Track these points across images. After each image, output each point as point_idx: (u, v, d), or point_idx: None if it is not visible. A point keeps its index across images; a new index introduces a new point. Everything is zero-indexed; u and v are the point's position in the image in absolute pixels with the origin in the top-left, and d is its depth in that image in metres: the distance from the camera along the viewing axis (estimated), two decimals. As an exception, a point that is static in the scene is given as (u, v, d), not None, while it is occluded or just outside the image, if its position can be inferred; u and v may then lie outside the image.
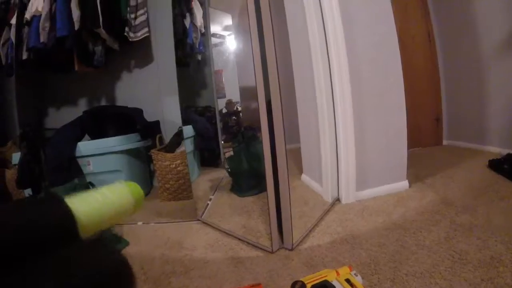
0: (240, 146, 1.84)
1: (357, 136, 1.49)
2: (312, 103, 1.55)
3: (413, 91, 2.31)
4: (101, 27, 1.80)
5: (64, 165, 1.70)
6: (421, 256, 0.95)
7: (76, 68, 1.96)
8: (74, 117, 1.99)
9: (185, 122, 1.97)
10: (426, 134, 2.68)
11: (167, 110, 2.15)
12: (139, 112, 2.08)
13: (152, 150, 1.91)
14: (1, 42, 2.06)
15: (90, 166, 1.79)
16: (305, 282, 0.74)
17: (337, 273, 0.78)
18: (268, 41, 1.02)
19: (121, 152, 1.82)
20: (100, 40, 1.91)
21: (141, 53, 2.18)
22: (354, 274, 0.79)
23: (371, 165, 1.54)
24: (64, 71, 2.07)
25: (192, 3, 2.17)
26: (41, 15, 1.80)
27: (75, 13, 1.75)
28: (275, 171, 1.07)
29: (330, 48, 1.44)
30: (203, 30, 2.24)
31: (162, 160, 1.84)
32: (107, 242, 0.37)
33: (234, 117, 2.13)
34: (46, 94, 2.34)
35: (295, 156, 1.84)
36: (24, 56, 1.92)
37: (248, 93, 1.91)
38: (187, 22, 2.10)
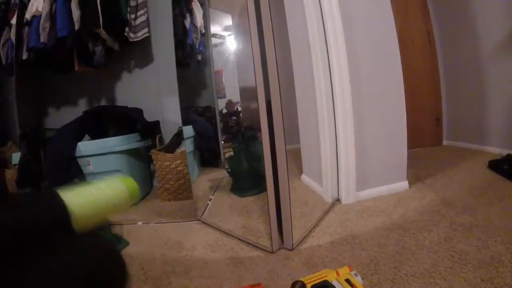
0: (240, 146, 1.84)
1: (357, 136, 1.49)
2: (312, 103, 1.55)
3: (413, 91, 2.31)
4: (101, 27, 1.80)
5: (64, 165, 1.70)
6: (421, 256, 0.95)
7: (76, 68, 1.96)
8: (74, 117, 1.99)
9: (185, 122, 1.98)
10: (426, 134, 2.68)
11: (167, 110, 2.15)
12: (139, 112, 2.09)
13: (152, 150, 1.91)
14: (1, 42, 2.06)
15: (90, 166, 1.79)
16: (305, 282, 0.74)
17: (337, 273, 0.78)
18: (268, 41, 1.02)
19: (121, 152, 1.82)
20: (100, 40, 1.91)
21: (141, 53, 2.18)
22: (354, 274, 0.79)
23: (371, 165, 1.54)
24: (64, 71, 2.07)
25: (192, 3, 2.17)
26: (41, 15, 1.80)
27: (75, 13, 1.76)
28: (275, 171, 1.07)
29: (330, 48, 1.44)
30: (203, 31, 2.24)
31: (162, 160, 1.84)
32: (101, 234, 0.37)
33: (234, 117, 2.14)
34: (46, 94, 2.34)
35: (295, 157, 1.84)
36: (24, 56, 1.92)
37: (248, 93, 1.91)
38: (187, 22, 2.11)
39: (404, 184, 1.60)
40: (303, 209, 1.45)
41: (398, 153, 1.59)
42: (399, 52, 1.52)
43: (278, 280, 0.92)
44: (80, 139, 1.88)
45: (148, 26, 1.99)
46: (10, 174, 1.87)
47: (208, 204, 1.71)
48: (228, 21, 2.14)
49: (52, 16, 1.81)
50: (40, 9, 1.80)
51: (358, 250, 1.04)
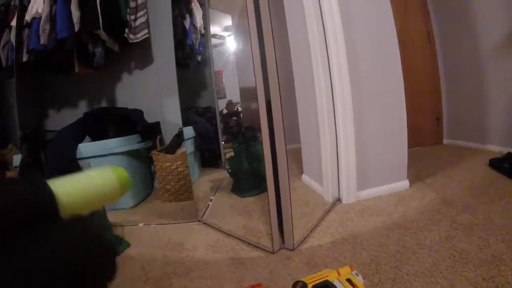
0: (241, 147, 1.84)
1: (357, 136, 1.49)
2: (312, 103, 1.55)
3: (413, 90, 2.31)
4: (101, 29, 1.80)
5: (64, 167, 1.70)
6: (422, 255, 0.95)
7: (76, 69, 1.96)
8: (74, 119, 1.99)
9: (186, 123, 1.98)
10: (426, 133, 2.68)
11: (167, 111, 2.15)
12: (139, 113, 2.09)
13: (153, 151, 1.91)
14: (2, 44, 2.07)
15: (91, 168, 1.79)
16: (306, 282, 0.74)
17: (338, 273, 0.78)
18: (267, 42, 1.02)
19: (122, 153, 1.82)
20: (100, 41, 1.91)
21: (141, 54, 2.18)
22: (355, 274, 0.79)
23: (371, 165, 1.54)
24: (64, 72, 2.08)
25: (192, 4, 2.18)
26: (41, 17, 1.81)
27: (75, 15, 1.76)
28: (276, 172, 1.07)
29: (330, 48, 1.44)
30: (203, 31, 2.24)
31: (162, 161, 1.84)
32: (89, 221, 0.36)
33: (234, 118, 2.14)
34: (46, 96, 2.34)
35: (296, 157, 1.84)
36: (25, 58, 1.92)
37: (248, 93, 1.91)
38: (186, 23, 2.11)
39: (405, 183, 1.60)
40: (303, 209, 1.45)
41: (398, 152, 1.59)
42: (399, 52, 1.52)
43: (279, 281, 0.92)
44: (80, 141, 1.88)
45: (148, 27, 2.00)
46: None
47: (209, 204, 1.71)
48: (227, 21, 2.14)
49: (52, 18, 1.82)
50: (40, 11, 1.81)
51: (359, 249, 1.04)
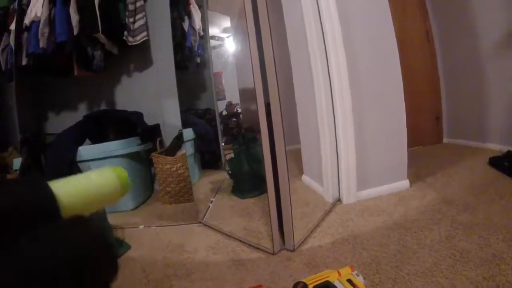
0: (241, 148, 1.84)
1: (357, 136, 1.49)
2: (311, 103, 1.55)
3: (412, 90, 2.31)
4: (100, 32, 1.81)
5: (65, 170, 1.70)
6: (422, 255, 0.95)
7: (76, 72, 1.97)
8: (74, 122, 1.99)
9: (185, 125, 1.98)
10: (426, 132, 2.68)
11: (167, 113, 2.16)
12: (139, 115, 2.09)
13: (153, 154, 1.91)
14: (1, 48, 2.07)
15: (91, 170, 1.79)
16: (307, 283, 0.74)
17: (339, 274, 0.78)
18: (266, 43, 1.02)
19: (122, 156, 1.82)
20: (99, 44, 1.92)
21: (140, 56, 2.19)
22: (356, 274, 0.79)
23: (371, 165, 1.54)
24: (64, 76, 2.08)
25: (190, 6, 2.18)
26: (40, 20, 1.81)
27: (74, 18, 1.76)
28: (275, 173, 1.07)
29: (328, 48, 1.44)
30: (201, 33, 2.25)
31: (162, 163, 1.84)
32: (89, 220, 0.36)
33: (234, 119, 2.14)
34: (46, 99, 2.35)
35: (296, 157, 1.84)
36: (24, 62, 1.93)
37: (247, 94, 1.91)
38: (185, 25, 2.11)
39: (405, 183, 1.60)
40: (304, 209, 1.45)
41: (398, 152, 1.59)
42: (397, 51, 1.52)
43: (280, 282, 0.92)
44: (80, 144, 1.88)
45: (147, 29, 2.00)
46: (12, 180, 1.88)
47: (209, 206, 1.71)
48: (226, 23, 2.14)
49: (51, 21, 1.82)
50: (39, 14, 1.81)
51: (359, 250, 1.04)
